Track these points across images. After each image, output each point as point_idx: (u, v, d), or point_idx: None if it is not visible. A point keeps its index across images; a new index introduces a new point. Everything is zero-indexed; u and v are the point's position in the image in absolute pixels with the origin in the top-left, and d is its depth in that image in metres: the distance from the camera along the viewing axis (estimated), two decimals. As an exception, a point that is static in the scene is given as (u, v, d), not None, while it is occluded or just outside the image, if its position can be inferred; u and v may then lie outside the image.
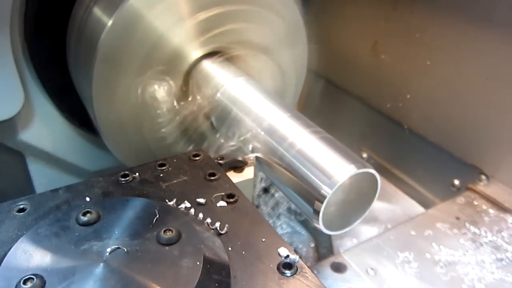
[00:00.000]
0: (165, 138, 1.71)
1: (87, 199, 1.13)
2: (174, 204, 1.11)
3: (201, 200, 1.13)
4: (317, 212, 1.19)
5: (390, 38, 2.05)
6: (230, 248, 1.00)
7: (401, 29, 1.96)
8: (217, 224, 1.05)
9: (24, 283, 0.84)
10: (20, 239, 0.95)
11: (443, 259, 1.44)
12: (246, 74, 1.63)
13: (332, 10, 2.33)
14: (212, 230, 1.04)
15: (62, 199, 1.13)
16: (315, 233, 2.29)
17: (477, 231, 1.54)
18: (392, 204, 2.04)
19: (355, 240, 1.78)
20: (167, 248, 0.93)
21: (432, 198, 1.97)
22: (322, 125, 1.37)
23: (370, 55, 2.15)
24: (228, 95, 1.55)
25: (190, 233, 0.97)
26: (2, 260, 0.91)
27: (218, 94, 1.57)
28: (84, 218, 0.99)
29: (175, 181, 1.21)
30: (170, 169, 1.26)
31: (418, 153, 2.03)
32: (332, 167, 1.19)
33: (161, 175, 1.24)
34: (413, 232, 1.54)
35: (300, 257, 0.98)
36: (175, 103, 1.65)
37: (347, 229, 1.30)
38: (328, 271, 1.41)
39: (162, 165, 1.27)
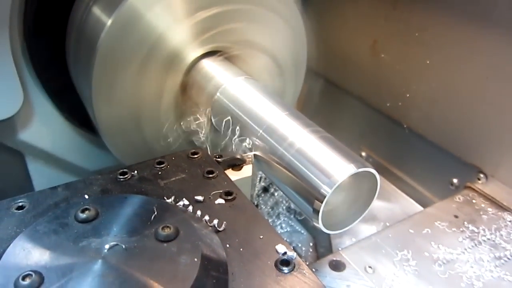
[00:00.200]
0: (165, 137, 1.72)
1: (86, 196, 1.13)
2: (173, 202, 1.12)
3: (199, 198, 1.14)
4: (316, 212, 1.19)
5: (389, 37, 2.05)
6: (228, 245, 1.01)
7: (401, 28, 1.96)
8: (215, 221, 1.05)
9: (23, 279, 0.84)
10: (19, 236, 0.96)
11: (441, 257, 1.44)
12: (246, 74, 1.63)
13: (332, 9, 2.33)
14: (210, 227, 1.04)
15: (61, 197, 1.13)
16: (314, 232, 2.30)
17: (475, 229, 1.54)
18: (391, 203, 2.04)
19: (354, 239, 1.78)
20: (165, 244, 0.94)
21: (430, 197, 1.97)
22: (322, 124, 1.37)
23: (370, 54, 2.15)
24: (227, 94, 1.55)
25: (188, 230, 0.98)
26: (0, 257, 0.91)
27: (218, 94, 1.57)
28: (83, 215, 1.00)
29: (173, 179, 1.22)
30: (168, 167, 1.27)
31: (417, 152, 2.03)
32: (332, 167, 1.19)
33: (160, 173, 1.24)
34: (411, 230, 1.54)
35: (300, 256, 0.98)
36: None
37: (346, 228, 1.30)
38: (326, 269, 1.41)
39: (160, 163, 1.27)
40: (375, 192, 1.25)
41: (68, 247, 0.93)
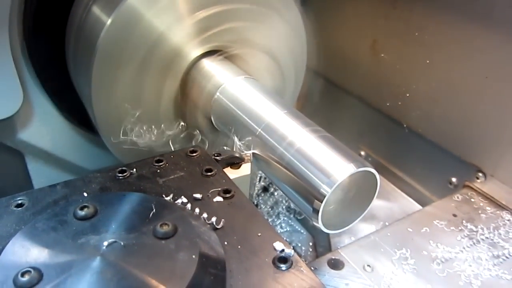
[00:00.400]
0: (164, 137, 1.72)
1: (85, 194, 1.14)
2: (171, 200, 1.12)
3: (198, 196, 1.14)
4: (316, 211, 1.19)
5: (389, 37, 2.05)
6: (226, 243, 1.01)
7: (401, 27, 1.96)
8: (213, 219, 1.06)
9: (22, 276, 0.85)
10: (18, 233, 0.96)
11: (440, 256, 1.44)
12: (246, 73, 1.63)
13: (331, 9, 2.33)
14: (208, 225, 1.05)
15: (60, 195, 1.14)
16: (313, 231, 2.30)
17: (474, 228, 1.54)
18: (390, 202, 2.05)
19: (353, 238, 1.78)
20: (163, 242, 0.94)
21: (429, 196, 1.97)
22: (321, 123, 1.37)
23: (370, 53, 2.15)
24: (227, 93, 1.56)
25: (186, 228, 0.98)
26: (0, 254, 0.92)
27: (218, 93, 1.57)
28: (82, 213, 1.00)
29: (172, 177, 1.22)
30: (167, 165, 1.27)
31: (415, 151, 2.03)
32: (332, 166, 1.20)
33: (158, 171, 1.25)
34: (410, 229, 1.55)
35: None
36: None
37: (346, 228, 1.30)
38: (325, 268, 1.41)
39: (159, 161, 1.28)
40: (375, 192, 1.25)
41: (66, 244, 0.93)
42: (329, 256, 1.46)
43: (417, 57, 1.91)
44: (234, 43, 1.70)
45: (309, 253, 2.30)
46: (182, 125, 1.68)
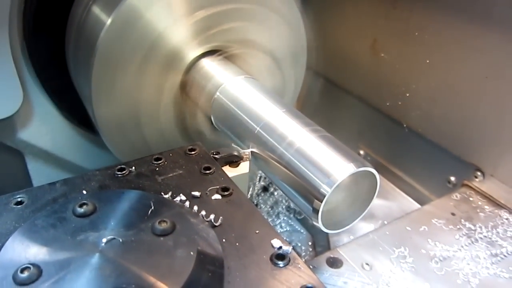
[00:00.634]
0: (164, 136, 1.73)
1: (84, 192, 1.14)
2: (170, 197, 1.13)
3: (196, 193, 1.15)
4: (316, 211, 1.20)
5: (389, 37, 2.05)
6: (224, 240, 1.02)
7: (401, 27, 1.97)
8: (212, 216, 1.06)
9: (21, 272, 0.85)
10: (18, 230, 0.97)
11: (438, 255, 1.44)
12: (246, 73, 1.63)
13: (331, 8, 2.33)
14: (207, 222, 1.05)
15: (59, 192, 1.14)
16: (312, 230, 2.30)
17: (472, 227, 1.55)
18: (389, 201, 2.05)
19: (352, 237, 1.78)
20: (161, 238, 0.95)
21: (428, 195, 1.98)
22: (321, 123, 1.37)
23: (370, 53, 2.15)
24: (227, 93, 1.56)
25: (184, 225, 0.98)
26: (-1, 251, 0.92)
27: (218, 93, 1.57)
28: (81, 210, 1.00)
29: (170, 175, 1.22)
30: (166, 163, 1.27)
31: (414, 150, 2.03)
32: (331, 166, 1.20)
33: (157, 169, 1.25)
34: (408, 228, 1.55)
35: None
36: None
37: (346, 228, 1.30)
38: (324, 266, 1.42)
39: (158, 159, 1.28)
40: (375, 192, 1.25)
41: (66, 241, 0.94)
42: (327, 254, 1.46)
43: (417, 57, 1.92)
44: (234, 43, 1.71)
45: (308, 252, 2.30)
46: None
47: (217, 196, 1.15)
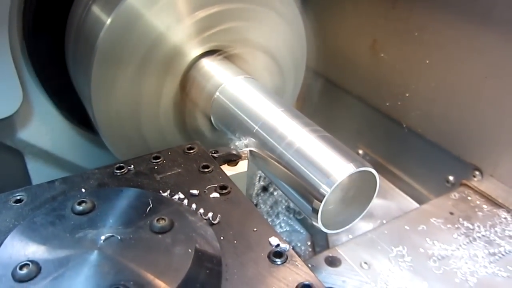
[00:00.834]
0: (164, 136, 1.73)
1: (83, 190, 1.15)
2: (168, 195, 1.13)
3: (195, 192, 1.15)
4: (315, 211, 1.20)
5: (389, 37, 2.06)
6: (222, 238, 1.02)
7: (400, 27, 1.97)
8: (210, 215, 1.06)
9: (20, 269, 0.85)
10: (17, 228, 0.97)
11: (436, 253, 1.45)
12: (245, 73, 1.64)
13: (331, 8, 2.34)
14: (205, 220, 1.05)
15: (58, 190, 1.15)
16: (311, 230, 2.30)
17: (470, 226, 1.56)
18: (388, 200, 2.05)
19: (351, 236, 1.79)
20: (159, 236, 0.95)
21: (427, 194, 1.98)
22: (321, 123, 1.38)
23: (369, 53, 2.16)
24: (227, 93, 1.56)
25: (182, 222, 0.99)
26: (-1, 248, 0.93)
27: (217, 93, 1.57)
28: (79, 208, 1.01)
29: (169, 173, 1.23)
30: (164, 161, 1.28)
31: (413, 150, 2.04)
32: (331, 166, 1.20)
33: (156, 167, 1.25)
34: (407, 227, 1.56)
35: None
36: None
37: (345, 228, 1.31)
38: (322, 265, 1.42)
39: (156, 157, 1.28)
40: (374, 192, 1.25)
41: (64, 238, 0.94)
42: (326, 253, 1.47)
43: (417, 57, 1.92)
44: (233, 43, 1.71)
45: (308, 252, 2.31)
46: None
47: (215, 195, 1.15)
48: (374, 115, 2.20)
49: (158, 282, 0.85)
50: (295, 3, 1.84)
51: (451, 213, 1.62)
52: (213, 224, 1.06)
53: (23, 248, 0.91)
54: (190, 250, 0.92)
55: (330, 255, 1.46)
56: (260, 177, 2.32)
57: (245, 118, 1.46)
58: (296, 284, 0.91)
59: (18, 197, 1.11)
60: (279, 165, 1.32)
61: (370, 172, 1.21)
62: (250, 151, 1.40)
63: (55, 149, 1.99)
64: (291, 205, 2.40)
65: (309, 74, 2.14)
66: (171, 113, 1.70)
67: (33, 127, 1.90)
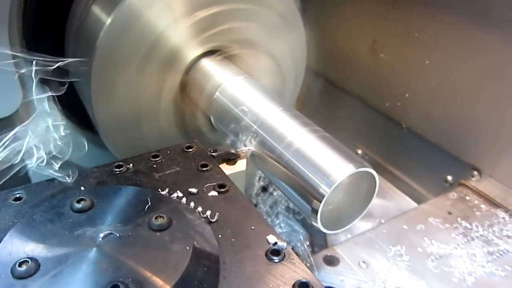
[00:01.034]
0: (164, 136, 1.73)
1: (82, 188, 1.15)
2: (167, 194, 1.14)
3: (193, 190, 1.15)
4: (315, 211, 1.20)
5: (389, 37, 2.06)
6: (220, 236, 1.03)
7: (400, 28, 1.97)
8: (208, 213, 1.07)
9: (19, 266, 0.86)
10: (16, 225, 0.98)
11: (434, 253, 1.45)
12: (245, 73, 1.64)
13: (331, 9, 2.34)
14: (203, 218, 1.06)
15: (57, 189, 1.16)
16: (310, 230, 2.30)
17: (468, 225, 1.56)
18: (386, 200, 2.06)
19: (349, 236, 1.79)
20: (158, 234, 0.96)
21: (425, 194, 1.99)
22: (320, 123, 1.38)
23: (369, 54, 2.16)
24: (227, 93, 1.56)
25: (180, 220, 0.99)
26: (-2, 246, 0.93)
27: (217, 93, 1.58)
28: (78, 205, 1.01)
29: (168, 172, 1.23)
30: (163, 160, 1.28)
31: (412, 149, 2.04)
32: (331, 166, 1.20)
33: (155, 166, 1.26)
34: (405, 226, 1.56)
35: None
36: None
37: (345, 228, 1.31)
38: (321, 264, 1.43)
39: (155, 156, 1.29)
40: (374, 192, 1.26)
41: (63, 235, 0.95)
42: (324, 252, 1.47)
43: (416, 58, 1.92)
44: (233, 43, 1.71)
45: (307, 253, 2.30)
46: None
47: (213, 193, 1.16)
48: (374, 115, 2.21)
49: (156, 279, 0.86)
50: (295, 3, 1.84)
51: (449, 213, 1.62)
52: (211, 222, 1.06)
53: (22, 246, 0.92)
54: (188, 248, 0.92)
55: (329, 254, 1.46)
56: (260, 177, 2.33)
57: (244, 117, 1.46)
58: (293, 282, 0.92)
59: (18, 195, 1.13)
60: (278, 165, 1.32)
61: (370, 172, 1.21)
62: (250, 150, 1.41)
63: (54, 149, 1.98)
64: (291, 205, 2.40)
65: (308, 74, 2.14)
66: (171, 113, 1.71)
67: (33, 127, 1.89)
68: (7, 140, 1.19)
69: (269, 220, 2.35)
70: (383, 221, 1.82)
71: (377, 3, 2.07)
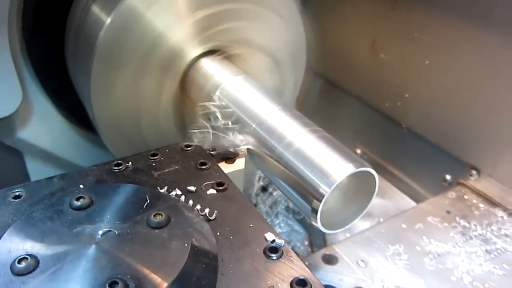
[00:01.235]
0: (164, 136, 1.73)
1: (81, 186, 1.16)
2: (165, 192, 1.14)
3: (192, 188, 1.16)
4: (315, 211, 1.19)
5: (388, 37, 2.07)
6: (218, 233, 1.03)
7: (400, 28, 1.98)
8: (207, 211, 1.07)
9: (19, 262, 0.86)
10: (15, 222, 0.98)
11: (433, 252, 1.46)
12: (245, 73, 1.63)
13: (331, 9, 2.34)
14: (202, 216, 1.06)
15: (56, 187, 1.16)
16: (309, 229, 2.31)
17: (467, 224, 1.56)
18: (385, 199, 2.06)
19: (348, 235, 1.79)
20: (156, 231, 0.96)
21: (424, 193, 1.99)
22: (320, 123, 1.38)
23: (369, 54, 2.17)
24: (226, 93, 1.56)
25: (179, 218, 0.99)
26: (-2, 243, 0.94)
27: (217, 93, 1.58)
28: (77, 203, 1.01)
29: (166, 170, 1.24)
30: (162, 158, 1.29)
31: (411, 149, 2.05)
32: (331, 166, 1.20)
33: (153, 164, 1.26)
34: (404, 226, 1.56)
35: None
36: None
37: (345, 228, 1.31)
38: (319, 263, 1.43)
39: (154, 154, 1.29)
40: (374, 192, 1.25)
41: (63, 233, 0.95)
42: (323, 251, 1.48)
43: (416, 58, 1.93)
44: (233, 43, 1.71)
45: (307, 252, 2.31)
46: None
47: (212, 191, 1.16)
48: (373, 115, 2.21)
49: (155, 276, 0.86)
50: (295, 3, 1.84)
51: (448, 212, 1.62)
52: (210, 220, 1.07)
53: (21, 243, 0.92)
54: (186, 245, 0.92)
55: (328, 253, 1.46)
56: (259, 177, 2.33)
57: (244, 117, 1.46)
58: (291, 279, 0.92)
59: (17, 193, 1.12)
60: (278, 165, 1.32)
61: (370, 172, 1.20)
62: (248, 149, 1.41)
63: (54, 149, 1.99)
64: (291, 205, 2.40)
65: (308, 74, 2.14)
66: (171, 113, 1.71)
67: (33, 127, 1.90)
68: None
69: (268, 220, 2.35)
70: (382, 220, 1.83)
71: (377, 3, 2.07)
